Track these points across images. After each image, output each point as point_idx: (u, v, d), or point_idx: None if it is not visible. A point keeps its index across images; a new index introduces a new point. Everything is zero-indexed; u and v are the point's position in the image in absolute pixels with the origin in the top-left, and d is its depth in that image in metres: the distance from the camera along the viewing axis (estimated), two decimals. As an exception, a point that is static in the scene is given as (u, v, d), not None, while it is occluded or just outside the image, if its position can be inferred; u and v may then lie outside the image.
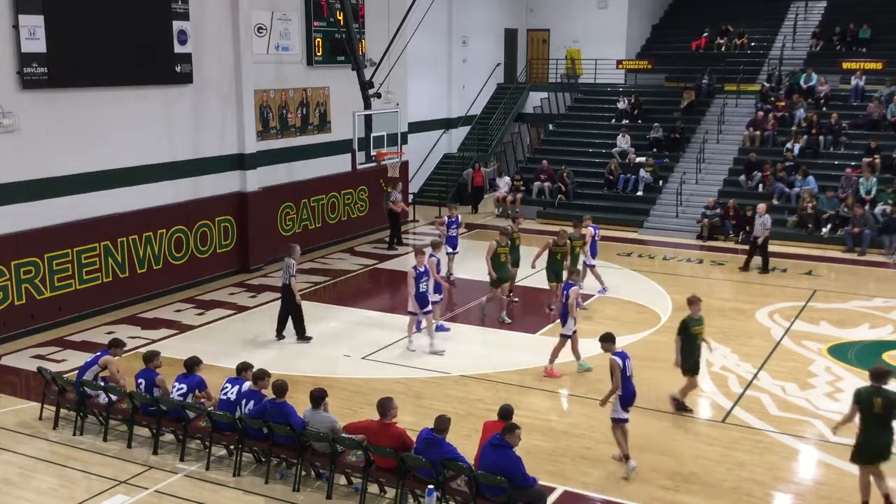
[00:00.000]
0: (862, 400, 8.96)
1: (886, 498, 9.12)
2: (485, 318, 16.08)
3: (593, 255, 17.28)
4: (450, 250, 18.36)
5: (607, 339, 10.47)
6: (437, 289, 14.80)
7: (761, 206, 19.68)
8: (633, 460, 10.11)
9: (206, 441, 10.39)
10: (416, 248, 14.80)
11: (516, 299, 16.99)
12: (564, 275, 14.52)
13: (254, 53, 19.30)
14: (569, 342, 13.14)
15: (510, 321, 15.76)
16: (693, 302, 11.57)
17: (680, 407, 11.85)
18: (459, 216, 18.95)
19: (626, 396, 10.20)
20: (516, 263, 16.74)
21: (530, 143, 32.89)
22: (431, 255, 14.98)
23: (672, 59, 30.82)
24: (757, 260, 19.53)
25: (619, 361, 10.17)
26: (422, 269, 14.09)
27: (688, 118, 27.29)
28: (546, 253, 16.08)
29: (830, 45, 29.53)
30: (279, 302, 15.06)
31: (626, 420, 10.21)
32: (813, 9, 32.05)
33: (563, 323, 13.05)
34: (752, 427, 11.38)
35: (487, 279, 15.83)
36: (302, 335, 14.79)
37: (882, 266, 20.29)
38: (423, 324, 14.50)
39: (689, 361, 11.58)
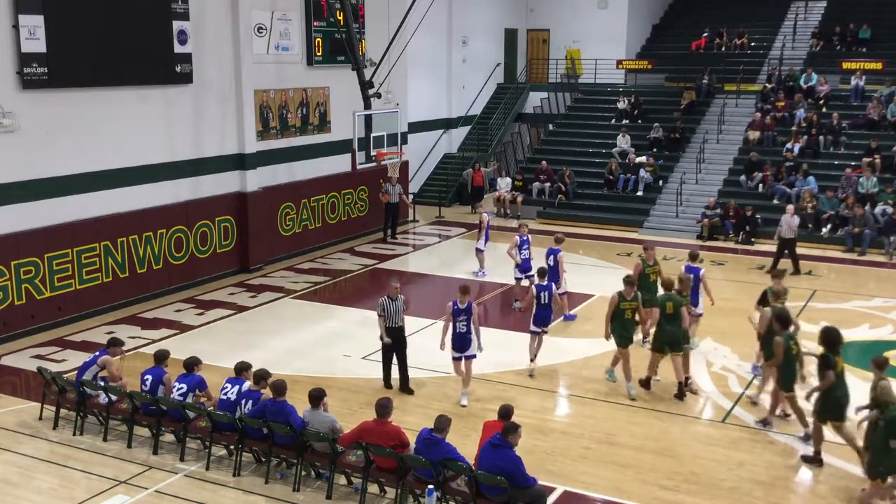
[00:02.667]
0: (659, 303, 12.19)
1: (680, 384, 12.14)
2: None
3: (485, 241, 18.80)
4: (532, 273, 16.15)
5: (538, 273, 13.66)
6: (552, 282, 14.33)
7: (790, 207, 19.89)
8: (533, 366, 13.12)
9: (206, 441, 10.38)
10: (462, 286, 12.33)
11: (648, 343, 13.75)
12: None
13: (254, 53, 19.30)
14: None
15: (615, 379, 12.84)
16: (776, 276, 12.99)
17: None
18: (529, 235, 16.94)
19: (536, 318, 13.28)
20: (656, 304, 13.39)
21: (530, 143, 32.90)
22: (555, 251, 15.36)
23: (672, 59, 30.82)
24: (756, 260, 19.51)
25: (535, 291, 13.22)
26: (462, 307, 12.06)
27: (688, 118, 27.30)
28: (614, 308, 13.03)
29: (830, 45, 29.53)
30: (381, 341, 12.74)
31: (536, 332, 13.36)
32: (813, 9, 32.06)
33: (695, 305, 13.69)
34: (753, 427, 11.37)
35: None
36: (406, 386, 12.64)
37: (882, 266, 20.30)
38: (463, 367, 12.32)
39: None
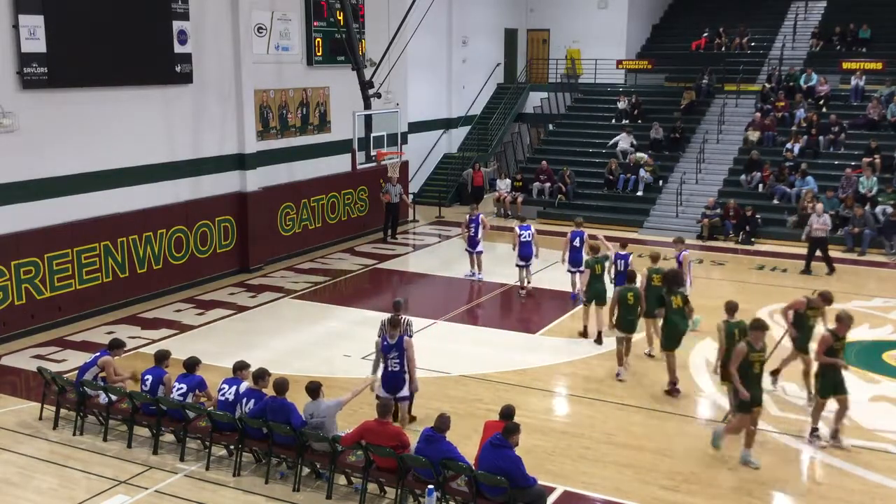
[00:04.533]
0: (590, 266, 14.54)
1: (600, 333, 14.35)
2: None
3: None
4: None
5: (621, 244, 15.31)
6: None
7: (819, 206, 19.96)
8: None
9: (206, 441, 10.39)
10: (392, 319, 10.97)
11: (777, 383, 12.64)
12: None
13: (254, 53, 19.30)
14: None
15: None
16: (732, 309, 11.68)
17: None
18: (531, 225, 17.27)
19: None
20: (806, 346, 12.15)
21: (530, 143, 32.90)
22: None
23: (672, 59, 30.82)
24: (756, 260, 19.50)
25: (613, 258, 15.04)
26: (392, 342, 10.71)
27: (688, 118, 27.30)
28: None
29: (830, 45, 29.52)
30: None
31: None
32: (813, 9, 32.05)
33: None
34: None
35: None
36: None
37: (882, 266, 20.29)
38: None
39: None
